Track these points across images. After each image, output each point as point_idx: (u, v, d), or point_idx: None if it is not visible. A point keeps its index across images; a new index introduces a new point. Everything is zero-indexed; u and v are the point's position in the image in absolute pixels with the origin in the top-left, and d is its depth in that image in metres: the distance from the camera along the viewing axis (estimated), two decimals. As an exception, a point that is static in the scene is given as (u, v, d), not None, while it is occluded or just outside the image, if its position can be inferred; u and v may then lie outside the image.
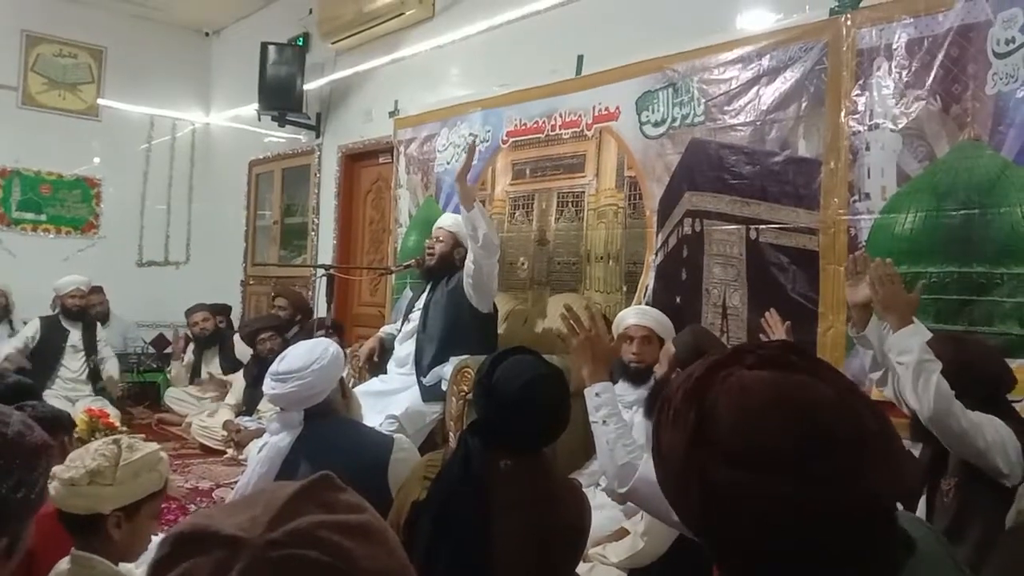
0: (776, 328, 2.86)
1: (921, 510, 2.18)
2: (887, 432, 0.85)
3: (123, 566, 1.80)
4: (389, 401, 3.87)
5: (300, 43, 6.57)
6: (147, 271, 7.71)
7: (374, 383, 4.17)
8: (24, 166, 7.26)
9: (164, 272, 7.87)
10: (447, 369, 3.84)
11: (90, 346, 5.98)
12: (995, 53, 2.78)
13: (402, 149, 5.58)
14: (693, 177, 3.72)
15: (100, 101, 7.57)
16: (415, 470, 2.10)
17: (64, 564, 1.72)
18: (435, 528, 1.81)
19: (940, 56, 2.91)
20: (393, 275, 5.39)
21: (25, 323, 6.03)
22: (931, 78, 2.94)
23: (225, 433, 5.27)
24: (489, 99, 4.89)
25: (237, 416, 5.43)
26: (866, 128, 3.11)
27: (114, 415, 4.99)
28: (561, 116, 4.42)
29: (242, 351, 6.02)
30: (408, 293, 5.18)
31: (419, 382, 3.94)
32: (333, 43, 6.12)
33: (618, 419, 1.99)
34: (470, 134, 4.90)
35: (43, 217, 7.36)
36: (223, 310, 6.86)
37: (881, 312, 2.26)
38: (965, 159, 2.84)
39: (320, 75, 6.47)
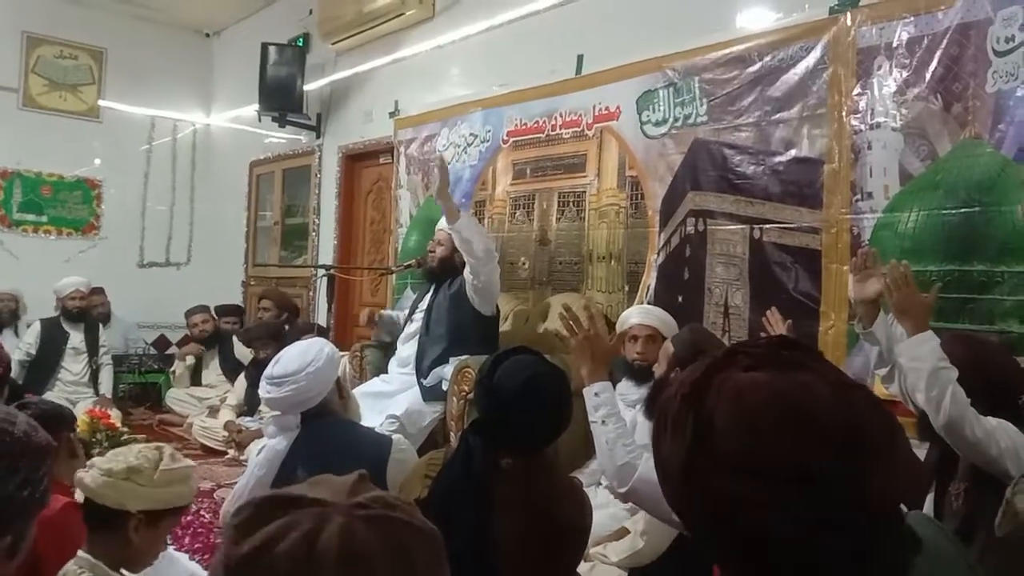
0: (777, 327, 2.86)
1: (928, 512, 2.17)
2: (887, 427, 0.84)
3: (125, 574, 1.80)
4: (390, 401, 3.87)
5: (300, 44, 6.57)
6: (148, 272, 7.71)
7: (375, 383, 4.16)
8: (25, 167, 7.26)
9: (165, 273, 7.87)
10: (447, 369, 3.83)
11: (92, 347, 5.98)
12: (995, 51, 2.77)
13: (402, 149, 5.58)
14: (696, 177, 3.71)
15: (101, 102, 7.58)
16: (416, 469, 2.10)
17: (72, 566, 1.73)
18: (437, 526, 1.81)
19: (941, 55, 2.91)
20: (394, 275, 5.39)
21: (29, 326, 6.02)
22: (932, 77, 2.94)
23: (226, 434, 5.26)
24: (489, 99, 4.90)
25: (238, 416, 5.43)
26: (868, 127, 3.11)
27: (115, 416, 4.98)
28: (561, 116, 4.42)
29: (242, 353, 6.03)
30: (410, 293, 5.18)
31: (419, 383, 3.94)
32: (333, 43, 6.12)
33: (617, 419, 1.98)
34: (439, 149, 4.97)
35: (44, 218, 7.36)
36: (235, 311, 6.85)
37: (897, 316, 2.24)
38: (966, 158, 2.83)
39: (320, 75, 6.47)
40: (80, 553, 1.73)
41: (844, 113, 3.18)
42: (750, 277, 3.50)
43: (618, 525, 2.85)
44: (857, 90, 3.15)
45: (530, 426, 1.90)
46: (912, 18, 2.99)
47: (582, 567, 2.48)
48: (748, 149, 3.51)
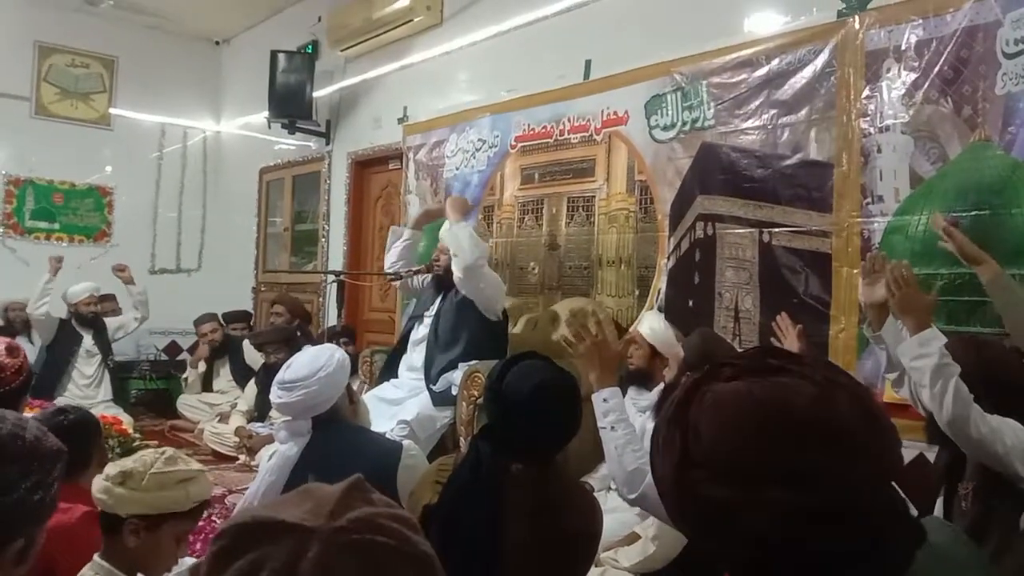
0: (788, 332, 2.85)
1: (938, 514, 2.16)
2: (870, 423, 0.83)
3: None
4: (400, 406, 3.88)
5: (309, 51, 6.59)
6: (159, 279, 7.73)
7: (385, 388, 4.17)
8: (37, 175, 7.31)
9: (176, 279, 7.90)
10: (457, 375, 3.84)
11: (104, 349, 6.02)
12: (1004, 53, 2.76)
13: (411, 155, 5.59)
14: (705, 181, 3.71)
15: (112, 110, 7.62)
16: (427, 475, 2.11)
17: (87, 571, 1.73)
18: (446, 532, 1.81)
19: (950, 57, 2.90)
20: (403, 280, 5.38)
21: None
22: (941, 79, 2.93)
23: (238, 439, 5.28)
24: (497, 104, 4.91)
25: (249, 422, 5.45)
26: (877, 130, 3.10)
27: (127, 422, 5.01)
28: (570, 121, 4.42)
29: (252, 358, 6.05)
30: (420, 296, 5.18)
31: (428, 389, 3.94)
32: (342, 51, 6.14)
33: (626, 424, 1.98)
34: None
35: (56, 226, 7.41)
36: (243, 317, 6.88)
37: (898, 315, 2.25)
38: (975, 160, 2.82)
39: (329, 82, 6.49)
40: (96, 558, 1.74)
41: (853, 116, 3.17)
42: (760, 281, 3.49)
43: (629, 530, 2.85)
44: (866, 93, 3.14)
45: (539, 432, 1.90)
46: (920, 21, 2.98)
47: (593, 572, 2.48)
48: (757, 153, 3.50)
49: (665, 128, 3.91)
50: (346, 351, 2.70)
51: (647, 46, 4.02)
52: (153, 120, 7.79)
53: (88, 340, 5.98)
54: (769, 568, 0.83)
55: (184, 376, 6.73)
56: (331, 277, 4.88)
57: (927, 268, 2.87)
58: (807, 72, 3.33)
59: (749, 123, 3.54)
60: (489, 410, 2.02)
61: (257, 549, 0.67)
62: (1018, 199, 2.71)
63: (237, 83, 7.94)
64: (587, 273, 4.35)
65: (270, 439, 4.99)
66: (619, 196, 4.18)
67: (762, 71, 3.50)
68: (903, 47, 3.03)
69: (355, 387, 2.85)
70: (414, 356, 4.22)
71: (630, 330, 3.78)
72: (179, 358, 7.57)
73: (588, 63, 4.38)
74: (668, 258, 3.88)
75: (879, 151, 3.10)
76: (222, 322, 6.52)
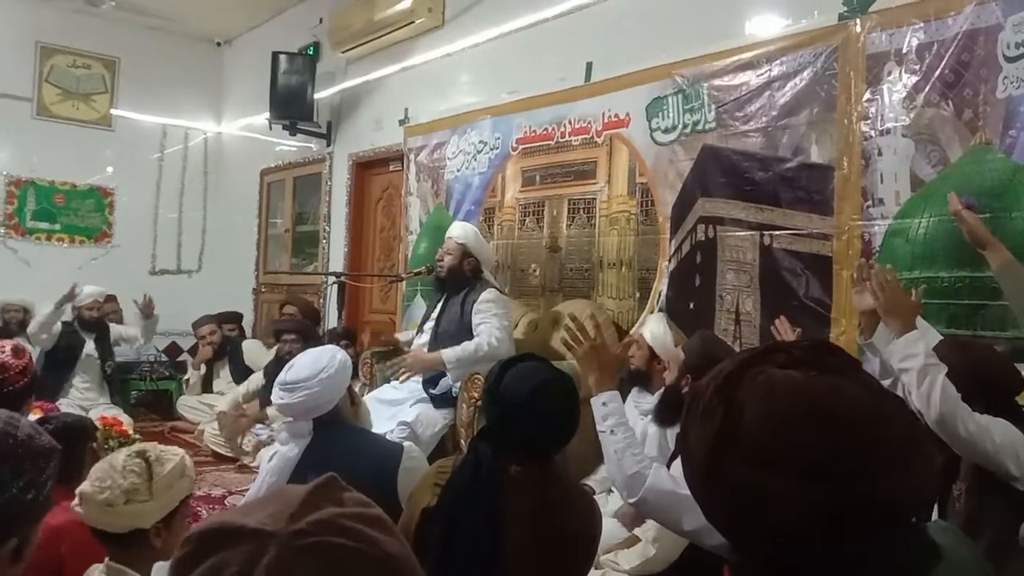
0: (786, 335, 2.85)
1: (934, 516, 2.16)
2: (912, 437, 0.84)
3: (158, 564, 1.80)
4: (401, 408, 3.87)
5: (311, 52, 6.60)
6: (160, 280, 7.73)
7: (386, 390, 4.16)
8: (38, 176, 7.32)
9: (177, 281, 7.91)
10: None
11: (105, 353, 6.02)
12: (1005, 57, 2.76)
13: (412, 157, 5.60)
14: (706, 183, 3.71)
15: (113, 111, 7.64)
16: (426, 477, 2.10)
17: (97, 572, 1.73)
18: (445, 535, 1.81)
19: (951, 60, 2.90)
20: (404, 282, 5.40)
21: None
22: (942, 82, 2.93)
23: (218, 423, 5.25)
24: (498, 106, 4.91)
25: (245, 404, 5.38)
26: (878, 133, 3.10)
27: (127, 423, 5.01)
28: (571, 123, 4.43)
29: (251, 359, 6.05)
30: (420, 301, 5.19)
31: (427, 392, 3.93)
32: (343, 52, 6.15)
33: (626, 428, 1.98)
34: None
35: (57, 226, 7.42)
36: (234, 318, 6.89)
37: (884, 317, 2.26)
38: (976, 163, 2.82)
39: (331, 84, 6.50)
40: (108, 561, 1.73)
41: (854, 119, 3.17)
42: (761, 283, 3.49)
43: (628, 532, 2.84)
44: (867, 96, 3.14)
45: (537, 433, 1.90)
46: (921, 24, 2.98)
47: (593, 574, 2.47)
48: (758, 155, 3.51)
49: (666, 130, 3.91)
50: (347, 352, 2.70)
51: (648, 48, 4.02)
52: (154, 121, 7.80)
53: (90, 344, 5.97)
54: (783, 563, 0.83)
55: (185, 377, 6.74)
56: (332, 279, 4.87)
57: (928, 271, 2.87)
58: (808, 75, 3.34)
59: (750, 126, 3.54)
60: (488, 412, 2.01)
61: (216, 555, 0.67)
62: (1019, 202, 2.70)
63: (238, 84, 7.95)
64: (588, 275, 4.35)
65: (248, 426, 5.02)
66: (620, 198, 4.18)
67: (763, 74, 3.50)
68: (904, 50, 3.03)
69: (355, 389, 2.85)
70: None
71: (631, 332, 3.79)
72: (179, 359, 7.58)
73: (589, 65, 4.38)
74: (669, 260, 3.89)
75: (880, 154, 3.10)
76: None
